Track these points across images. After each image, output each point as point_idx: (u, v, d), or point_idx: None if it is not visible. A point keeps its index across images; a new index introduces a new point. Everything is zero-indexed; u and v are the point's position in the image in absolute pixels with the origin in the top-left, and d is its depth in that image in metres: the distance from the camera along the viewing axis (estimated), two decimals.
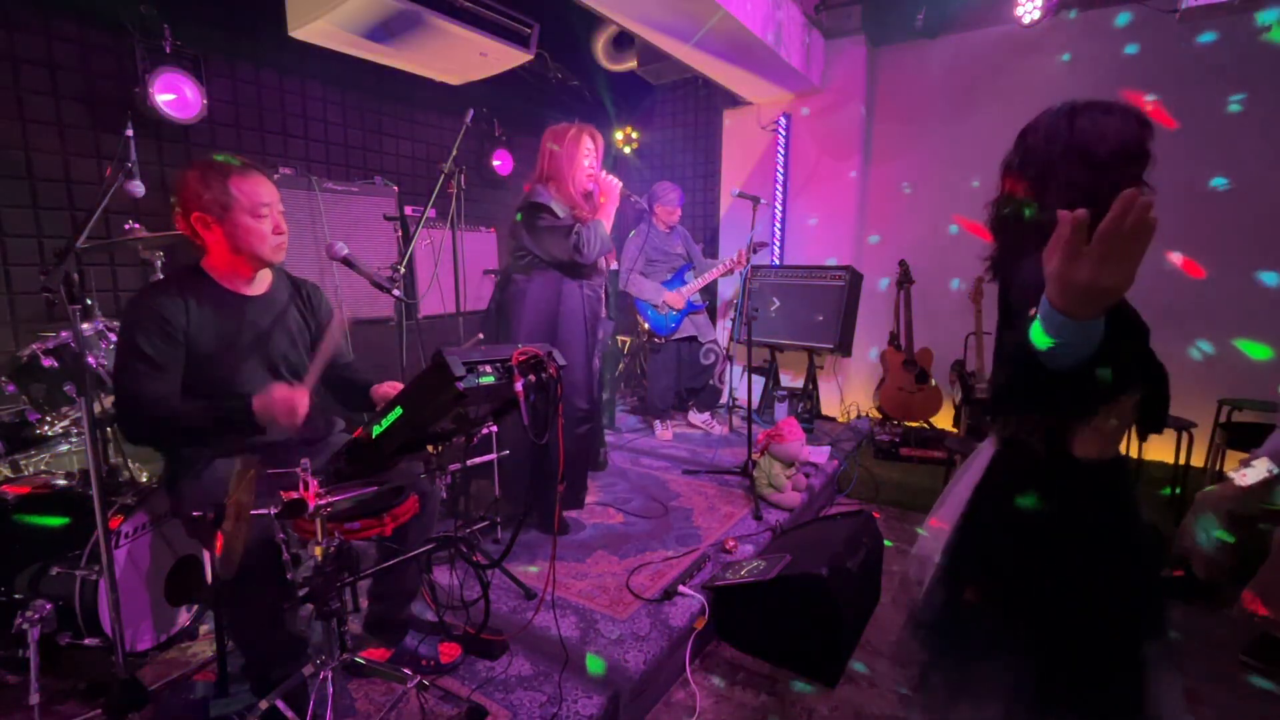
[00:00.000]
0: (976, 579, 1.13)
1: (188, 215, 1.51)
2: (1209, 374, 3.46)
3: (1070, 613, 1.03)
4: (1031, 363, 0.82)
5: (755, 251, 3.57)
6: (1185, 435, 3.01)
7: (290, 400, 1.42)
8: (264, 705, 1.40)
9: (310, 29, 2.75)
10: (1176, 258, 3.46)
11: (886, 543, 2.51)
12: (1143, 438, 1.11)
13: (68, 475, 1.95)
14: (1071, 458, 1.03)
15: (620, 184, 2.44)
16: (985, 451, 1.19)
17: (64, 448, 2.10)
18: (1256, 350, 3.39)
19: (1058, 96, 1.11)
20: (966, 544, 1.15)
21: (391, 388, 1.67)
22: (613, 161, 5.65)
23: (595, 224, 2.35)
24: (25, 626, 1.47)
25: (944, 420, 4.08)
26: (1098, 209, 0.84)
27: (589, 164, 2.42)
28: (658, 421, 4.00)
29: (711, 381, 4.14)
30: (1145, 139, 1.01)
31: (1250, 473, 2.14)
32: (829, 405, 4.62)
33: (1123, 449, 1.10)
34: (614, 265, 4.00)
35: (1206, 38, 3.40)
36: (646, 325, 3.85)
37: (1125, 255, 0.70)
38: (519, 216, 2.43)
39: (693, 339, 3.91)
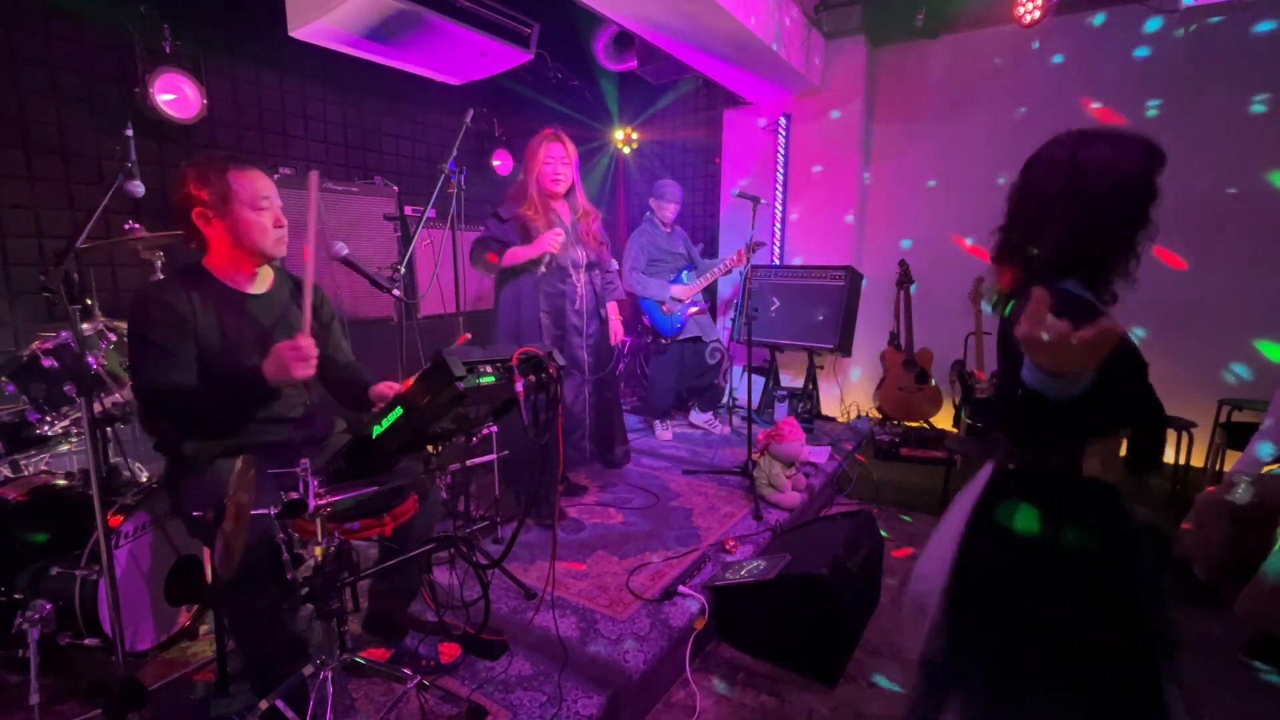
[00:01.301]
0: (979, 602, 1.10)
1: (188, 213, 1.52)
2: (1209, 374, 3.47)
3: (1074, 632, 1.02)
4: (1029, 393, 0.88)
5: (754, 251, 3.57)
6: (1185, 435, 3.01)
7: (298, 348, 1.42)
8: (264, 705, 1.40)
9: (310, 29, 2.75)
10: (1162, 251, 3.45)
11: (883, 533, 2.51)
12: (1135, 474, 1.10)
13: (68, 475, 1.95)
14: (1071, 479, 1.03)
15: (553, 241, 2.46)
16: (981, 477, 1.17)
17: (64, 448, 2.10)
18: (1276, 352, 3.37)
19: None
20: (968, 567, 1.11)
21: (388, 387, 1.67)
22: (610, 159, 5.65)
23: (500, 249, 2.52)
24: (25, 626, 1.47)
25: (944, 420, 4.08)
26: (1096, 248, 1.01)
27: (550, 169, 2.53)
28: (658, 422, 4.00)
29: (716, 380, 4.14)
30: (1152, 173, 0.99)
31: (1239, 493, 2.15)
32: (829, 405, 4.62)
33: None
34: (613, 264, 4.00)
35: (1210, 40, 3.40)
36: (649, 324, 3.85)
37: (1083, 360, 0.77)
38: None
39: (696, 339, 3.91)
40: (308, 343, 1.44)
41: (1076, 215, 1.01)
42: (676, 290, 3.76)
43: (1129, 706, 1.00)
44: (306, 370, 1.43)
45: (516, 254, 2.52)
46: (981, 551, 1.10)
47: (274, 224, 1.57)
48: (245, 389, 1.46)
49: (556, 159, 2.53)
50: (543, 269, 2.50)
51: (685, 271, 3.88)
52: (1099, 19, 3.63)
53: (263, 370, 1.43)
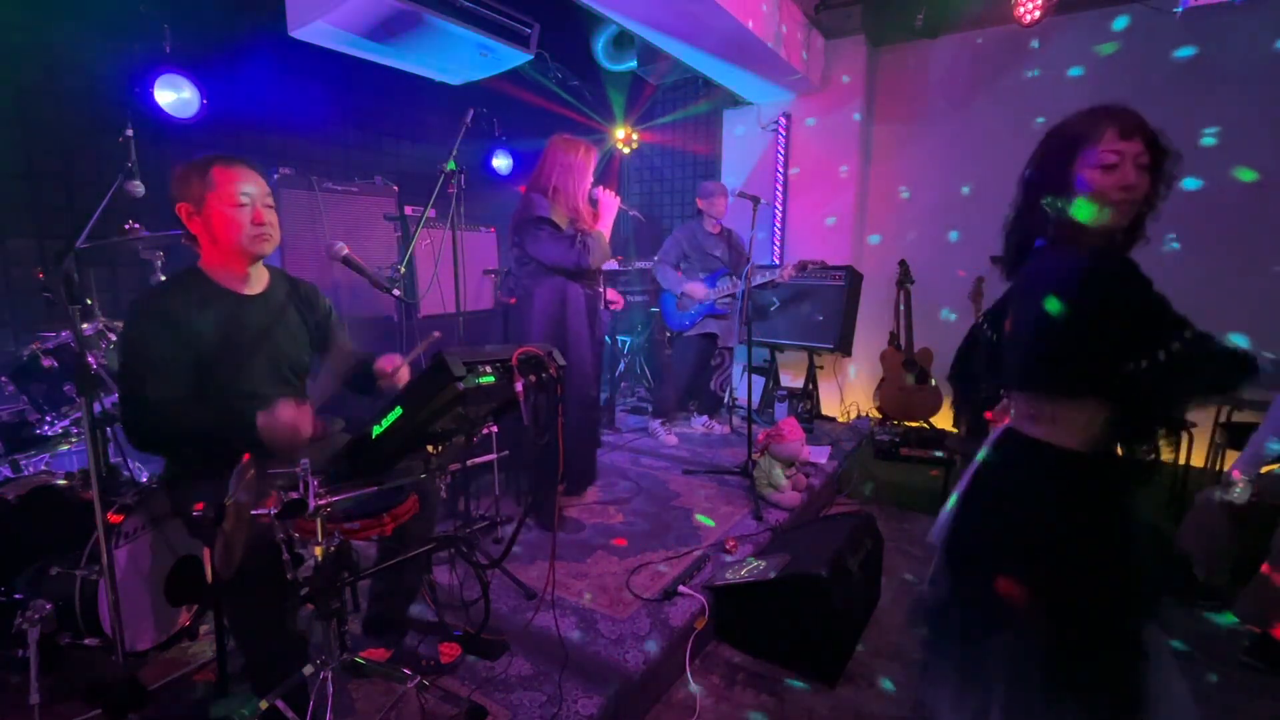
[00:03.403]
0: (973, 561, 1.21)
1: (176, 208, 1.52)
2: None
3: (1062, 591, 1.10)
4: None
5: (804, 270, 3.66)
6: (1185, 435, 3.01)
7: (294, 424, 1.39)
8: (264, 705, 1.40)
9: (310, 29, 2.76)
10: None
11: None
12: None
13: (67, 475, 1.95)
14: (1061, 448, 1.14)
15: (619, 200, 2.59)
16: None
17: (64, 448, 2.10)
18: None
19: (1058, 97, 1.15)
20: (962, 529, 1.24)
21: (389, 361, 1.66)
22: (607, 157, 5.64)
23: (597, 235, 2.51)
24: (25, 626, 1.47)
25: (944, 420, 4.08)
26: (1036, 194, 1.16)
27: (590, 183, 2.57)
28: (658, 423, 3.98)
29: (711, 387, 4.13)
30: (1083, 122, 1.11)
31: (1237, 494, 2.14)
32: (829, 405, 4.62)
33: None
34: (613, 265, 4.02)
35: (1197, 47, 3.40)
36: (658, 311, 3.89)
37: None
38: (519, 225, 2.52)
39: (713, 336, 3.87)
40: (306, 420, 1.42)
41: (1029, 173, 1.18)
42: (690, 287, 3.70)
43: (1090, 651, 1.08)
44: (293, 444, 1.40)
45: (607, 224, 2.54)
46: (976, 506, 1.24)
47: (252, 221, 1.52)
48: (237, 428, 1.42)
49: (592, 171, 2.56)
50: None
51: (720, 276, 3.80)
52: (1102, 19, 3.63)
53: (257, 419, 1.39)
